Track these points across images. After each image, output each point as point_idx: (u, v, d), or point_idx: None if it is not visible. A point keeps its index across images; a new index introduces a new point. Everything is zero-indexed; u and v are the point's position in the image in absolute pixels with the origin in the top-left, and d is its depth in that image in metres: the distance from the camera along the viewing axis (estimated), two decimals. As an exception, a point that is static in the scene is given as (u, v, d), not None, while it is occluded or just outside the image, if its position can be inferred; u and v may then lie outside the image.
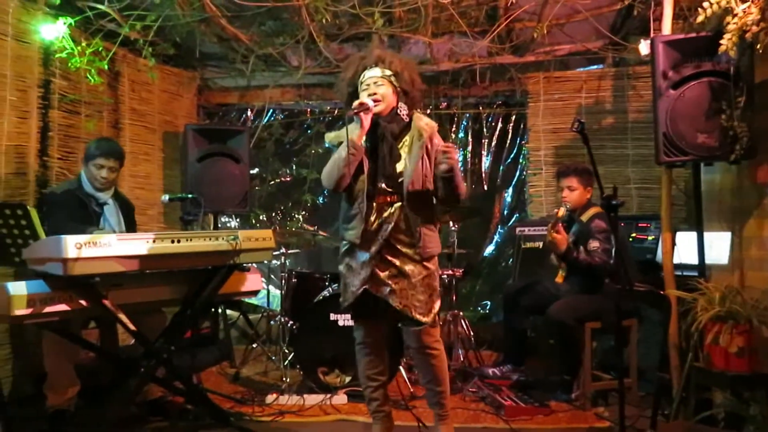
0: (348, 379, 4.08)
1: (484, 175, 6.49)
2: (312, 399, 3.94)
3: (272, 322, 5.42)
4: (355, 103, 2.90)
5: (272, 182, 6.70)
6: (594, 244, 3.91)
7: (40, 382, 3.42)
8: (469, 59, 5.47)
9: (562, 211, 4.00)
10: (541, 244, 4.95)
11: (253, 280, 3.61)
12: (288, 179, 6.74)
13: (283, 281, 4.86)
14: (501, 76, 5.76)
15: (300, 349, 4.19)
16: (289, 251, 4.95)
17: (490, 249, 6.49)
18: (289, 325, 4.54)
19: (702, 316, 2.98)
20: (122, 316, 3.00)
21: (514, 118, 6.32)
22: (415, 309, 2.91)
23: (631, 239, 4.68)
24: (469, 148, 6.46)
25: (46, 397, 3.36)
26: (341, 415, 3.76)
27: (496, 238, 6.49)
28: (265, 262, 4.75)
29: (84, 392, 3.47)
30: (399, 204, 2.94)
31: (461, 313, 4.80)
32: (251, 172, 5.62)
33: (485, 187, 6.52)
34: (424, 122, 3.00)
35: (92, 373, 3.60)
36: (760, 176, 3.29)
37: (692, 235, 3.61)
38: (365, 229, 2.95)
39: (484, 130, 6.43)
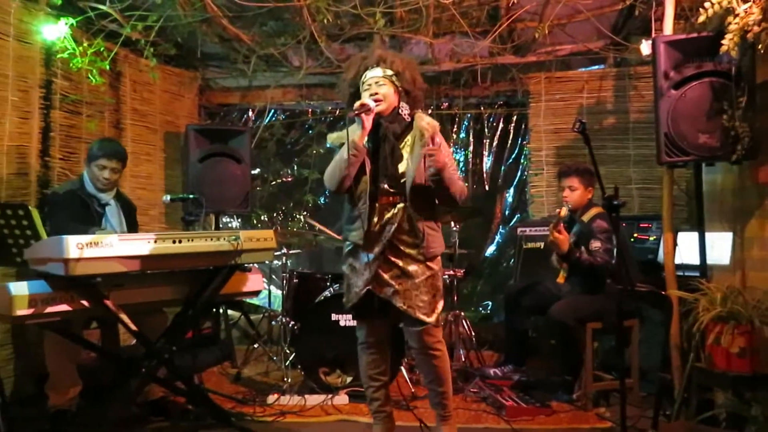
0: (349, 379, 4.09)
1: (485, 175, 6.49)
2: (313, 399, 3.94)
3: (273, 323, 5.42)
4: (357, 104, 2.89)
5: (273, 182, 6.70)
6: (596, 245, 3.90)
7: (42, 382, 3.43)
8: (470, 59, 5.47)
9: (564, 211, 4.00)
10: (542, 244, 4.94)
11: (254, 281, 3.61)
12: (289, 179, 6.75)
13: (285, 281, 4.86)
14: (502, 76, 5.76)
15: (301, 350, 4.19)
16: (291, 251, 4.96)
17: (491, 249, 6.49)
18: (290, 325, 4.55)
19: (703, 316, 2.98)
20: (124, 317, 3.00)
21: (515, 118, 6.32)
22: (419, 309, 2.91)
23: (632, 240, 4.68)
24: (471, 148, 6.46)
25: (47, 397, 3.37)
26: (342, 415, 3.76)
27: (498, 238, 6.48)
28: (267, 262, 4.76)
29: (85, 392, 3.47)
30: (402, 205, 2.94)
31: (462, 314, 4.81)
32: (252, 172, 5.62)
33: (486, 188, 6.52)
34: (425, 122, 2.99)
35: (94, 374, 3.60)
36: (762, 176, 3.29)
37: (694, 236, 3.61)
38: (368, 230, 2.94)
39: (486, 130, 6.42)
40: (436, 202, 3.05)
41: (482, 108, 6.32)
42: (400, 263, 2.93)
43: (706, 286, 3.12)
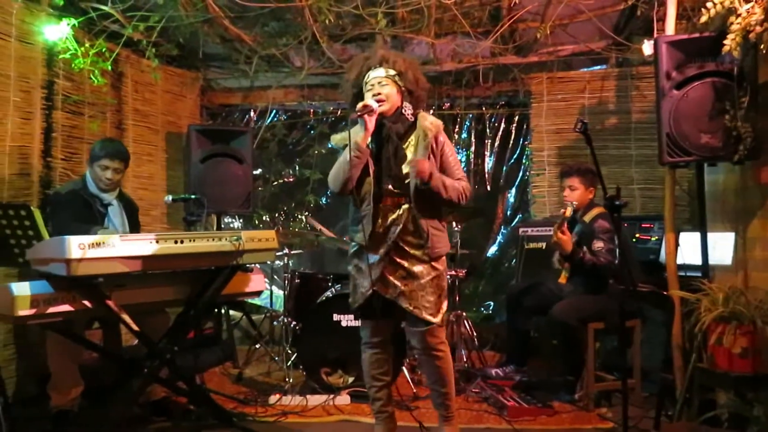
0: (351, 379, 4.09)
1: (487, 175, 6.48)
2: (315, 399, 3.94)
3: (275, 323, 5.42)
4: (359, 106, 2.89)
5: (275, 183, 6.70)
6: (598, 245, 3.90)
7: (44, 383, 3.43)
8: (472, 60, 5.47)
9: (568, 211, 3.99)
10: (544, 244, 4.95)
11: (256, 281, 3.61)
12: (291, 180, 6.75)
13: (286, 282, 4.86)
14: (504, 76, 5.76)
15: (303, 350, 4.19)
16: (292, 252, 4.96)
17: (493, 249, 6.48)
18: (292, 325, 4.55)
19: (705, 316, 2.98)
20: (125, 317, 3.01)
21: (517, 118, 6.32)
22: (426, 310, 2.92)
23: (634, 240, 4.67)
24: (472, 148, 6.46)
25: (49, 398, 3.37)
26: (344, 415, 3.76)
27: (499, 238, 6.48)
28: (268, 262, 4.75)
29: (87, 392, 3.48)
30: (406, 206, 2.94)
31: (464, 314, 4.81)
32: (254, 172, 5.62)
33: (488, 188, 6.51)
34: (429, 121, 2.99)
35: (96, 374, 3.61)
36: (764, 177, 3.29)
37: (696, 236, 3.61)
38: (373, 231, 2.95)
39: (487, 130, 6.42)
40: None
41: (484, 108, 6.31)
42: (406, 264, 2.94)
43: (708, 287, 3.12)
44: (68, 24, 4.03)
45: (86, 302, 2.84)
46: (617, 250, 3.77)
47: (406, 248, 2.94)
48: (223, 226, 5.42)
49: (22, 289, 2.67)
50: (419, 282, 2.93)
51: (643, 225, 4.74)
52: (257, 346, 5.18)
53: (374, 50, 3.14)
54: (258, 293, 3.73)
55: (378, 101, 2.92)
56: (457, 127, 6.39)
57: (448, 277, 4.56)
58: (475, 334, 4.85)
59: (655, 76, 3.57)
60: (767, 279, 3.23)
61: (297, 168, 6.70)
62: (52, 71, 4.22)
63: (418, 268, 2.94)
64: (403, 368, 4.12)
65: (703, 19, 3.10)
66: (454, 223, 4.71)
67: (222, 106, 6.35)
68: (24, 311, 2.65)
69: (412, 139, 3.01)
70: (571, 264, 4.00)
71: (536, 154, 5.62)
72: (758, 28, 2.87)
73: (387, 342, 3.16)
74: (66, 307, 2.79)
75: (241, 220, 6.67)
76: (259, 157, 6.33)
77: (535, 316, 4.37)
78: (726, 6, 2.98)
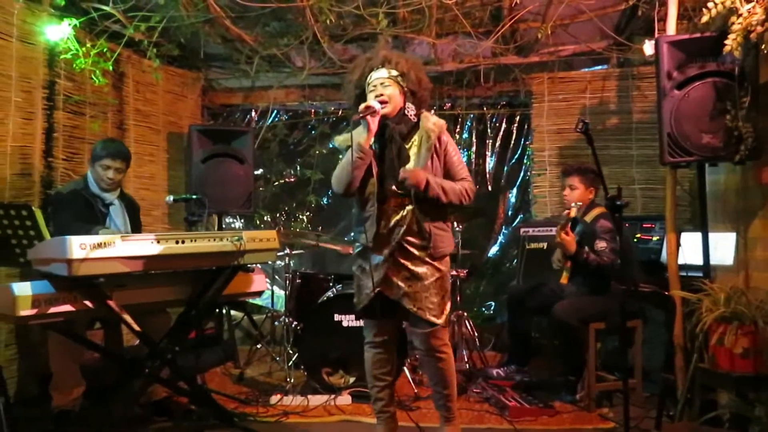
0: (352, 379, 4.09)
1: (488, 175, 6.48)
2: (316, 400, 3.94)
3: (276, 323, 5.42)
4: (362, 107, 2.88)
5: (276, 183, 6.70)
6: (601, 245, 3.89)
7: (46, 383, 3.43)
8: (473, 60, 5.48)
9: (573, 212, 3.97)
10: (545, 244, 4.95)
11: (257, 281, 3.61)
12: (292, 180, 6.75)
13: (288, 282, 4.86)
14: (505, 76, 5.76)
15: (304, 350, 4.19)
16: (294, 252, 4.96)
17: (494, 250, 6.48)
18: (293, 325, 4.55)
19: (707, 316, 2.98)
20: (127, 317, 3.01)
21: (518, 118, 6.31)
22: (429, 311, 2.92)
23: (635, 240, 4.67)
24: (473, 148, 6.45)
25: (51, 398, 3.37)
26: (345, 415, 3.76)
27: (501, 238, 6.48)
28: (270, 262, 4.75)
29: (89, 393, 3.48)
30: (410, 207, 2.93)
31: (465, 314, 4.81)
32: (255, 172, 5.62)
33: (489, 188, 6.51)
34: (431, 122, 2.99)
35: (97, 374, 3.61)
36: (765, 177, 3.29)
37: (697, 236, 3.61)
38: (377, 232, 2.95)
39: (488, 130, 6.41)
40: None
41: (485, 108, 6.31)
42: (409, 265, 2.94)
43: (710, 287, 3.12)
44: (69, 24, 4.03)
45: (87, 302, 2.84)
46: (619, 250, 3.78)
47: (410, 249, 2.94)
48: (224, 226, 5.43)
49: (23, 289, 2.67)
50: (423, 283, 2.93)
51: (644, 225, 4.74)
52: (258, 346, 5.18)
53: (376, 51, 3.11)
54: (259, 293, 3.73)
55: (381, 102, 2.91)
56: (458, 127, 6.38)
57: (450, 277, 4.58)
58: (476, 334, 4.85)
59: (656, 76, 3.57)
60: (768, 279, 3.23)
61: (298, 168, 6.70)
62: (53, 71, 4.23)
63: (421, 270, 2.94)
64: (404, 368, 4.12)
65: (704, 19, 3.10)
66: (455, 224, 4.71)
67: (223, 106, 6.35)
68: (25, 311, 2.65)
69: (416, 139, 3.01)
70: (574, 264, 4.00)
71: (537, 154, 5.62)
72: (759, 28, 2.87)
73: (390, 342, 3.15)
74: (67, 307, 2.79)
75: (242, 221, 6.67)
76: (260, 158, 6.33)
77: (537, 317, 4.36)
78: (727, 6, 2.98)
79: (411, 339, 3.10)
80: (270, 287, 5.73)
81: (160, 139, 5.42)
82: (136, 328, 3.08)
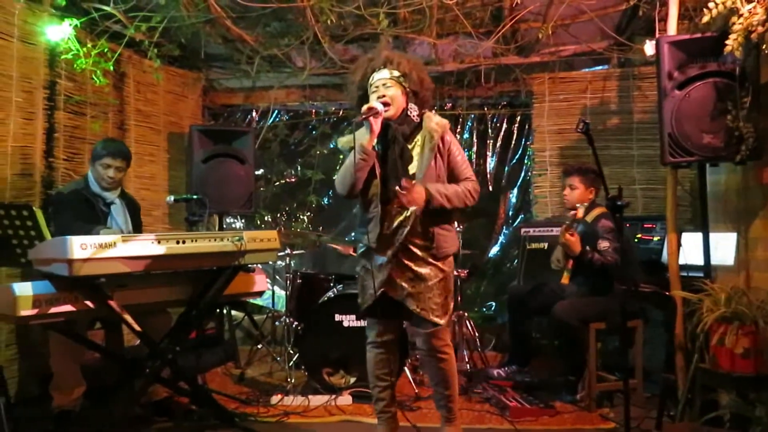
0: (353, 379, 4.09)
1: (489, 176, 6.47)
2: (317, 400, 3.94)
3: (277, 323, 5.42)
4: (364, 108, 2.87)
5: (277, 183, 6.70)
6: (604, 244, 3.88)
7: (46, 383, 3.43)
8: (473, 60, 5.47)
9: (580, 212, 3.95)
10: (546, 245, 4.95)
11: (258, 281, 3.61)
12: (293, 180, 6.75)
13: (288, 282, 4.86)
14: (506, 76, 5.76)
15: (305, 350, 4.19)
16: (294, 252, 4.96)
17: (495, 250, 6.48)
18: (294, 325, 4.56)
19: (707, 317, 2.98)
20: (127, 317, 3.01)
21: (519, 118, 6.30)
22: (433, 312, 2.92)
23: (636, 240, 4.67)
24: (474, 149, 6.44)
25: (51, 398, 3.37)
26: (346, 416, 3.76)
27: (501, 239, 6.47)
28: (270, 263, 4.75)
29: (90, 393, 3.48)
30: (414, 208, 2.93)
31: (466, 314, 4.81)
32: (256, 173, 5.62)
33: (490, 188, 6.50)
34: (434, 122, 2.98)
35: (98, 374, 3.61)
36: (766, 177, 3.29)
37: (698, 236, 3.61)
38: (381, 233, 2.95)
39: (489, 130, 6.41)
40: None
41: (486, 108, 6.31)
42: (413, 266, 2.94)
43: (710, 287, 3.12)
44: (70, 24, 4.04)
45: (88, 302, 2.85)
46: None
47: (414, 250, 2.94)
48: (224, 226, 5.42)
49: (24, 289, 2.67)
50: (426, 284, 2.93)
51: (645, 225, 4.73)
52: (259, 346, 5.19)
53: (378, 51, 3.10)
54: (260, 293, 3.73)
55: (383, 104, 2.91)
56: (458, 127, 6.37)
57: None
58: (476, 334, 4.85)
59: (657, 77, 3.56)
60: (769, 279, 3.23)
61: (299, 168, 6.70)
62: (54, 72, 4.23)
63: (425, 270, 2.94)
64: (405, 369, 4.12)
65: (705, 19, 3.10)
66: (455, 224, 4.70)
67: (224, 107, 6.35)
68: (26, 311, 2.66)
69: (418, 139, 3.01)
70: (576, 264, 3.99)
71: (538, 154, 5.62)
72: (760, 29, 2.87)
73: (392, 342, 3.15)
74: (68, 308, 2.79)
75: (242, 221, 6.67)
76: (260, 158, 6.33)
77: (538, 317, 4.36)
78: (728, 6, 2.97)
79: (413, 339, 3.10)
80: (271, 287, 5.72)
81: (160, 140, 5.42)
82: (137, 328, 3.08)
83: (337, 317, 4.12)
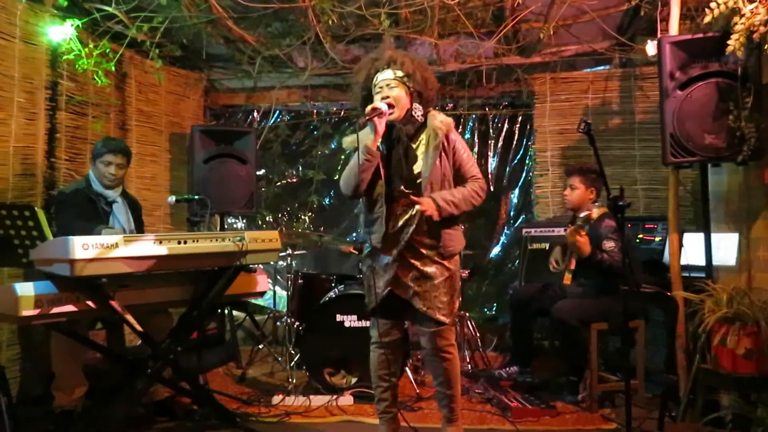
0: (354, 380, 4.09)
1: (490, 176, 6.46)
2: (318, 400, 3.94)
3: (278, 323, 5.43)
4: (368, 108, 2.87)
5: (278, 183, 6.70)
6: (609, 245, 3.85)
7: (48, 383, 3.44)
8: (475, 60, 5.47)
9: (595, 213, 3.91)
10: (547, 245, 4.94)
11: (259, 281, 3.61)
12: (294, 180, 6.75)
13: (290, 282, 4.86)
14: (507, 77, 5.76)
15: (306, 350, 4.19)
16: (296, 252, 4.96)
17: (496, 250, 6.47)
18: (295, 326, 4.56)
19: (709, 317, 2.97)
20: (129, 317, 3.01)
21: (520, 119, 6.30)
22: (439, 311, 2.93)
23: (638, 240, 4.66)
24: (476, 149, 6.43)
25: (53, 398, 3.38)
26: (347, 416, 3.76)
27: (503, 239, 6.47)
28: (272, 263, 4.75)
29: (91, 392, 3.49)
30: (419, 206, 2.92)
31: (467, 315, 4.80)
32: (257, 173, 5.63)
33: (491, 188, 6.48)
34: (438, 120, 2.98)
35: (99, 374, 3.62)
36: (768, 177, 3.28)
37: (699, 237, 3.61)
38: (386, 232, 2.95)
39: (491, 131, 6.40)
40: None
41: (487, 109, 6.31)
42: (419, 265, 2.94)
43: (712, 287, 3.11)
44: (72, 25, 4.05)
45: (90, 302, 2.85)
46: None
47: (419, 248, 2.95)
48: (226, 226, 5.43)
49: (26, 289, 2.67)
50: (432, 283, 2.93)
51: (646, 226, 4.73)
52: (260, 346, 5.19)
53: (381, 51, 3.09)
54: (261, 294, 3.73)
55: (388, 105, 2.90)
56: (460, 127, 6.36)
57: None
58: (478, 334, 4.85)
59: (658, 77, 3.56)
60: (771, 280, 3.22)
61: (300, 168, 6.70)
62: (55, 72, 4.23)
63: (430, 269, 2.94)
64: (407, 369, 4.12)
65: (707, 19, 3.10)
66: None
67: (225, 107, 6.36)
68: (28, 311, 2.66)
69: (423, 138, 3.00)
70: (579, 265, 3.97)
71: (539, 154, 5.62)
72: (762, 29, 2.87)
73: (396, 343, 3.15)
74: (70, 308, 2.79)
75: (244, 221, 6.67)
76: (262, 158, 6.34)
77: (539, 317, 4.36)
78: (730, 6, 2.97)
79: (414, 339, 3.10)
80: (272, 288, 5.73)
81: (162, 140, 5.42)
82: (139, 328, 3.08)
83: (339, 317, 4.12)
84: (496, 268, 6.44)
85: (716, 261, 3.54)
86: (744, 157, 3.23)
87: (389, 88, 2.96)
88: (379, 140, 2.92)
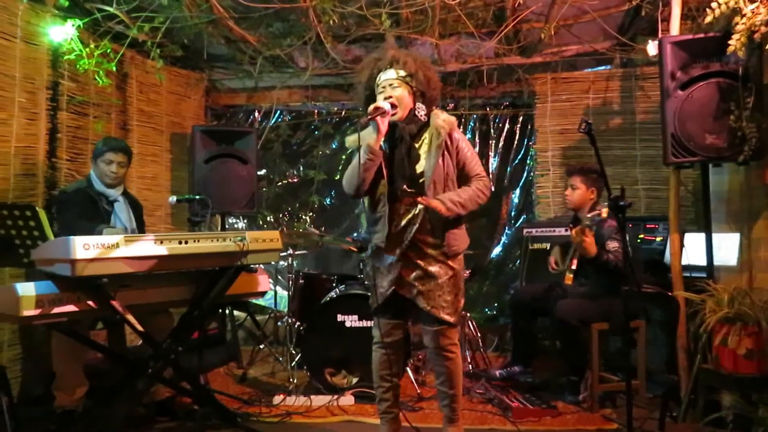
0: (355, 380, 4.09)
1: (491, 176, 6.44)
2: (319, 400, 3.94)
3: (279, 323, 5.43)
4: (371, 108, 2.87)
5: (279, 183, 6.70)
6: (613, 245, 3.82)
7: (49, 383, 3.44)
8: (476, 60, 5.47)
9: (605, 212, 3.89)
10: (548, 245, 4.93)
11: (260, 281, 3.62)
12: (295, 180, 6.74)
13: (291, 282, 4.86)
14: (508, 77, 5.75)
15: (307, 350, 4.19)
16: (297, 252, 4.96)
17: (497, 250, 6.47)
18: (296, 326, 4.55)
19: (710, 317, 2.97)
20: (130, 317, 3.01)
21: (521, 119, 6.29)
22: (443, 310, 2.92)
23: (639, 240, 4.66)
24: (476, 149, 6.44)
25: (54, 398, 3.38)
26: (348, 416, 3.76)
27: (504, 239, 6.46)
28: (273, 263, 4.75)
29: (92, 392, 3.49)
30: (422, 205, 2.92)
31: (468, 315, 4.80)
32: (258, 173, 5.63)
33: (492, 188, 6.47)
34: (441, 119, 2.97)
35: (100, 374, 3.62)
36: (769, 177, 3.28)
37: (700, 237, 3.60)
38: (389, 232, 2.94)
39: (492, 131, 6.40)
40: None
41: (488, 109, 6.30)
42: (422, 264, 2.94)
43: (713, 287, 3.12)
44: (73, 25, 4.05)
45: (91, 302, 2.85)
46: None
47: (423, 248, 2.94)
48: (227, 226, 5.43)
49: (27, 289, 2.68)
50: (436, 282, 2.93)
51: (647, 226, 4.73)
52: (261, 346, 5.18)
53: (384, 50, 3.08)
54: (262, 294, 3.74)
55: (390, 104, 2.90)
56: (461, 127, 6.35)
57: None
58: (479, 334, 4.85)
59: (659, 77, 3.56)
60: (772, 280, 3.22)
61: (301, 168, 6.69)
62: (57, 72, 4.23)
63: (434, 268, 2.93)
64: (408, 369, 4.12)
65: (708, 19, 3.10)
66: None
67: (226, 107, 6.36)
68: (29, 311, 2.66)
69: (426, 137, 3.00)
70: (580, 265, 3.96)
71: (540, 154, 5.62)
72: (763, 29, 2.87)
73: (398, 343, 3.15)
74: (71, 308, 2.79)
75: (245, 221, 6.66)
76: (263, 158, 6.34)
77: (540, 317, 4.35)
78: (731, 6, 2.97)
79: (417, 338, 3.10)
80: (273, 288, 5.73)
81: (163, 140, 5.43)
82: (140, 328, 3.08)
83: (340, 317, 4.12)
84: (497, 268, 6.44)
85: (717, 261, 3.54)
86: (745, 157, 3.23)
87: (392, 88, 2.95)
88: (382, 139, 2.91)
